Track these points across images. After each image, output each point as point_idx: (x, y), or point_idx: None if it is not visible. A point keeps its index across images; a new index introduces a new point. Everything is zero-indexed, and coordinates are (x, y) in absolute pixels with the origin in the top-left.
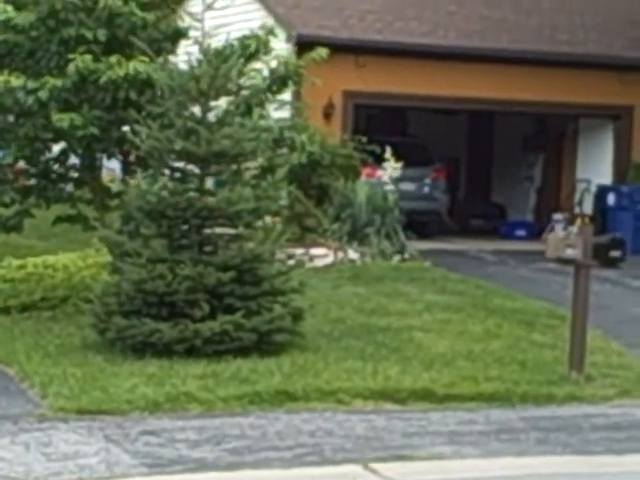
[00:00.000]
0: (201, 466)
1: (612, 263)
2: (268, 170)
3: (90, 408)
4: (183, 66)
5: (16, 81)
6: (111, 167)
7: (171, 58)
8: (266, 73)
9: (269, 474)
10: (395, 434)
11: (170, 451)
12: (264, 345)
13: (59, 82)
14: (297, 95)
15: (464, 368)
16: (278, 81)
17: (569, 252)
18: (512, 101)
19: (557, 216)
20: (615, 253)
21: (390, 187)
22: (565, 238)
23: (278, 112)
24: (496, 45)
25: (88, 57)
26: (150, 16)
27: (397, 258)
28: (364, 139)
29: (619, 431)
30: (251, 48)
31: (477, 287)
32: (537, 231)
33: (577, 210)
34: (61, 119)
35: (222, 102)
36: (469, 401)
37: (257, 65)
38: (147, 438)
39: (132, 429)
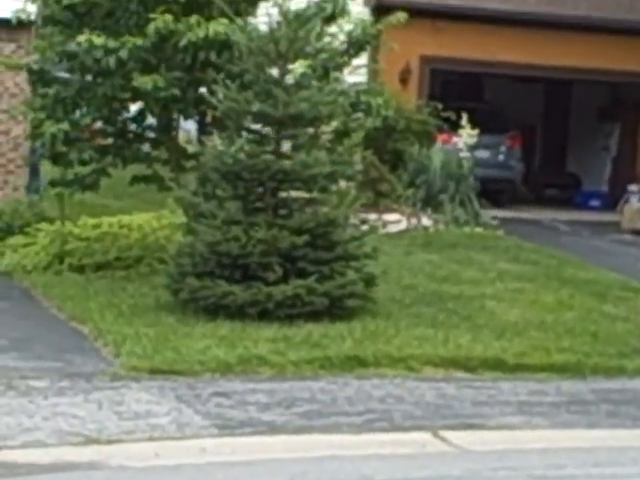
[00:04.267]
0: (271, 429)
1: None
2: (343, 134)
3: (162, 368)
4: (262, 28)
5: (98, 40)
6: (187, 128)
7: (250, 20)
8: (342, 37)
9: (338, 439)
10: (465, 402)
11: (240, 413)
12: (336, 310)
13: (140, 41)
14: (373, 60)
15: (536, 338)
16: (356, 45)
17: None
18: (589, 69)
19: (633, 187)
20: None
21: (465, 154)
22: None
23: (353, 76)
24: (575, 12)
25: (169, 17)
26: None
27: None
28: (440, 105)
29: None
30: (327, 11)
31: (550, 257)
32: (612, 202)
33: None
34: (144, 81)
35: (298, 65)
36: (540, 371)
37: (333, 29)
38: (218, 399)
39: (203, 390)
